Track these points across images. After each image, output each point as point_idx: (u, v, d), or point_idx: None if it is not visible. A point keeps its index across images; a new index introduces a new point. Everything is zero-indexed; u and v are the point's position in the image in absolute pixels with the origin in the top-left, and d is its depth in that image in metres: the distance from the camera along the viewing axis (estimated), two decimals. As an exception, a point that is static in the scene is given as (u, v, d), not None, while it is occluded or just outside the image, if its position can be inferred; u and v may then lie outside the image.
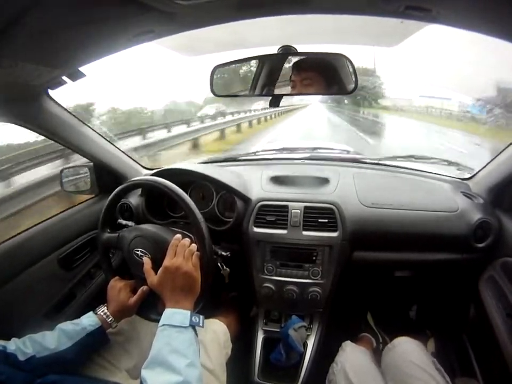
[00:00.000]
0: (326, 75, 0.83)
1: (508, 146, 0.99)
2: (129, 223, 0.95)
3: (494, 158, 1.06)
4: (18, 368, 0.61)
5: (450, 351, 1.22)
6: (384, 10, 0.60)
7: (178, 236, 0.72)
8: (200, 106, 8.99)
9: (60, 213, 1.08)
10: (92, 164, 1.15)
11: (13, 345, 0.64)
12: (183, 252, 0.69)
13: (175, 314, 0.62)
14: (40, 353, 0.66)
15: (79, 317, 0.77)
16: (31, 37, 0.55)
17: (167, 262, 0.67)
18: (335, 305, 1.09)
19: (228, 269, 0.87)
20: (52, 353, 0.68)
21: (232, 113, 8.73)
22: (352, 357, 0.88)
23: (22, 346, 0.65)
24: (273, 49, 0.78)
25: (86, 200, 1.18)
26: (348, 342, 0.95)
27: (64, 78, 0.79)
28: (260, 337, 1.09)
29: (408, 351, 0.85)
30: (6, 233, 0.94)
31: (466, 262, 1.02)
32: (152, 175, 1.06)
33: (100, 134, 1.11)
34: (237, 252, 0.98)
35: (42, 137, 0.99)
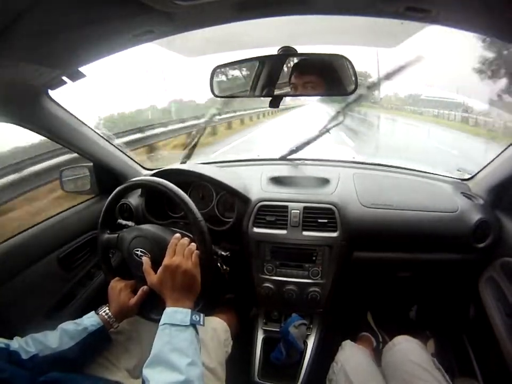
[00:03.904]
0: (326, 77, 0.83)
1: (508, 147, 0.99)
2: (129, 223, 0.95)
3: (494, 159, 1.07)
4: (21, 366, 0.61)
5: (450, 351, 1.22)
6: (384, 11, 0.60)
7: (178, 235, 0.72)
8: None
9: (60, 213, 1.08)
10: (91, 164, 1.15)
11: (15, 343, 0.65)
12: (182, 250, 0.69)
13: (176, 313, 0.62)
14: (42, 352, 0.66)
15: (80, 317, 0.77)
16: (31, 37, 0.55)
17: (166, 260, 0.67)
18: (335, 305, 1.09)
19: (227, 268, 0.87)
20: (54, 352, 0.68)
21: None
22: (352, 356, 0.88)
23: (25, 345, 0.65)
24: (273, 50, 0.78)
25: (86, 200, 1.18)
26: (348, 341, 0.95)
27: (64, 78, 0.79)
28: (260, 337, 1.09)
29: (408, 349, 0.85)
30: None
31: (466, 262, 1.02)
32: (152, 175, 1.06)
33: (99, 134, 1.11)
34: (236, 252, 0.98)
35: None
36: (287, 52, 0.78)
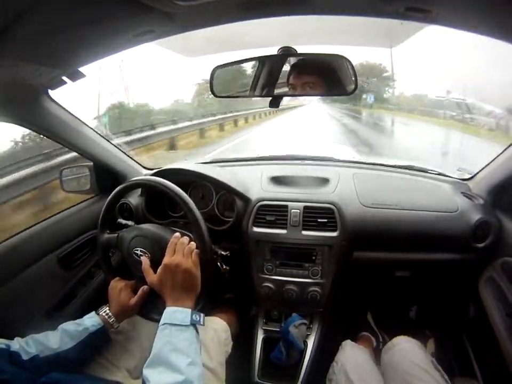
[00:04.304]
0: (326, 77, 0.83)
1: (508, 147, 0.99)
2: (129, 222, 0.95)
3: (494, 159, 1.07)
4: (22, 367, 0.61)
5: (450, 351, 1.22)
6: (384, 11, 0.60)
7: (177, 234, 0.72)
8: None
9: (60, 212, 1.08)
10: (91, 163, 1.15)
11: (16, 344, 0.65)
12: (182, 249, 0.69)
13: (176, 313, 0.62)
14: (43, 353, 0.66)
15: (80, 316, 0.77)
16: (31, 37, 0.55)
17: (166, 259, 0.67)
18: (335, 305, 1.09)
19: (227, 267, 0.87)
20: (54, 352, 0.68)
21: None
22: (352, 356, 0.88)
23: (25, 345, 0.65)
24: (273, 50, 0.78)
25: (86, 199, 1.18)
26: (348, 341, 0.95)
27: (64, 78, 0.79)
28: (260, 336, 1.09)
29: (408, 350, 0.85)
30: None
31: (466, 262, 1.02)
32: (152, 175, 1.06)
33: (99, 134, 1.12)
34: (236, 251, 0.98)
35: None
36: (287, 51, 0.78)
